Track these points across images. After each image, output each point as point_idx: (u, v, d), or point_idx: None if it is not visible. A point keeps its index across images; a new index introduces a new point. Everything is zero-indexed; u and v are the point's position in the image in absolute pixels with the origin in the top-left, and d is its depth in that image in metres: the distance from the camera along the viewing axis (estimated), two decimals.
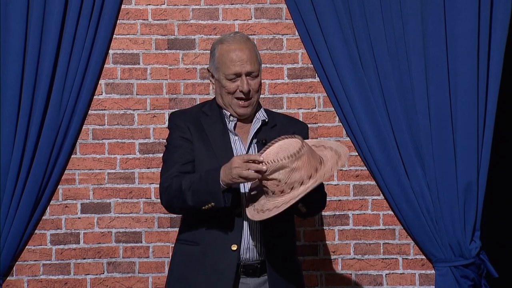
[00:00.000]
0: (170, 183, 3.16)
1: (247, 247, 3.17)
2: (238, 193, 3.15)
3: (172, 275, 3.29)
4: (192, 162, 3.21)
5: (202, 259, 3.17)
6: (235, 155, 3.19)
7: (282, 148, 2.97)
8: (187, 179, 3.12)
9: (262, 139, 3.24)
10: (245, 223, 3.17)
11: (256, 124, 3.28)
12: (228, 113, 3.28)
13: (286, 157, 2.93)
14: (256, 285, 3.18)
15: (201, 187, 3.07)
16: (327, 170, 2.97)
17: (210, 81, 3.33)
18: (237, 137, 3.26)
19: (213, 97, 3.38)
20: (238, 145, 3.25)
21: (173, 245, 3.34)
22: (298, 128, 3.33)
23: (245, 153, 3.23)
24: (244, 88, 3.20)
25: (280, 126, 3.31)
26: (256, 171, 2.97)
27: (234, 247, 3.14)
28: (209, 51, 4.15)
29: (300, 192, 2.94)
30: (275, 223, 3.16)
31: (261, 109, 3.34)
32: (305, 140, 3.10)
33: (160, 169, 3.31)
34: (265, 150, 3.01)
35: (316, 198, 3.19)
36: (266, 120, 3.30)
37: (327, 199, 3.40)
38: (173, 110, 4.14)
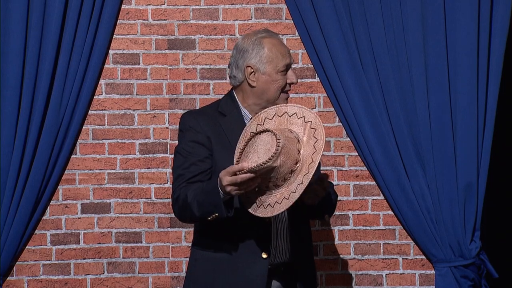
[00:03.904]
0: (178, 194, 3.08)
1: (275, 252, 3.12)
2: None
3: (194, 283, 3.18)
4: (205, 172, 3.11)
5: (231, 267, 3.09)
6: None
7: (261, 149, 2.91)
8: (192, 190, 3.04)
9: None
10: (274, 229, 3.12)
11: None
12: (249, 115, 3.18)
13: (268, 159, 2.86)
14: (278, 287, 3.15)
15: (204, 199, 2.99)
16: (318, 148, 2.93)
17: (248, 79, 3.16)
18: None
19: (217, 96, 3.35)
20: None
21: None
22: None
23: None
24: (294, 80, 3.19)
25: None
26: (245, 179, 2.88)
27: (264, 255, 3.09)
28: (209, 51, 4.20)
29: (300, 179, 2.90)
30: (298, 226, 3.16)
31: None
32: (268, 121, 3.02)
33: (172, 172, 3.21)
34: (242, 154, 2.94)
35: (331, 202, 3.22)
36: None
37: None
38: (173, 110, 4.16)
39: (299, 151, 2.94)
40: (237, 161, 2.94)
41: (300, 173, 2.92)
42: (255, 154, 2.91)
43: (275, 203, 2.94)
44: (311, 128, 2.98)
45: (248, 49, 3.17)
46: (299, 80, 4.19)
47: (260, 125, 3.02)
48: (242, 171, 2.87)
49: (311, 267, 3.27)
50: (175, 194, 3.11)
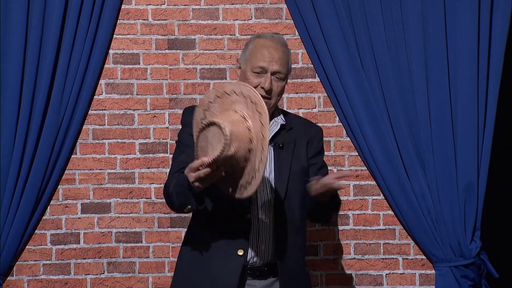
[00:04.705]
0: (166, 184, 3.16)
1: (256, 250, 3.14)
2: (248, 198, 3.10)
3: (177, 276, 3.26)
4: None
5: (207, 262, 3.14)
6: None
7: (213, 141, 2.94)
8: (173, 181, 3.11)
9: (279, 143, 3.22)
10: (254, 227, 3.14)
11: (274, 127, 3.24)
12: None
13: (221, 151, 2.89)
14: (262, 287, 3.16)
15: (178, 191, 3.05)
16: (262, 120, 2.94)
17: (237, 73, 3.27)
18: None
19: None
20: None
21: (180, 244, 3.33)
22: (313, 132, 3.33)
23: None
24: (266, 85, 3.15)
25: (296, 128, 3.29)
26: (208, 173, 2.93)
27: (240, 252, 3.11)
28: (209, 51, 4.20)
29: (259, 154, 2.92)
30: (287, 227, 3.16)
31: (281, 113, 3.31)
32: (211, 105, 3.04)
33: (168, 169, 3.32)
34: (198, 149, 2.98)
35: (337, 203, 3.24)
36: (284, 124, 3.27)
37: None
38: (173, 110, 4.16)
39: (249, 129, 2.95)
40: (196, 157, 2.98)
41: (257, 150, 2.94)
42: (210, 147, 2.94)
43: (246, 183, 2.97)
44: (251, 102, 2.97)
45: (246, 44, 3.27)
46: (299, 80, 4.21)
47: (205, 110, 3.04)
48: (202, 166, 2.91)
49: (300, 268, 3.26)
50: (166, 184, 3.18)
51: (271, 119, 3.24)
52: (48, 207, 4.10)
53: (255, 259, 3.14)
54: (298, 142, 3.26)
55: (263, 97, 3.12)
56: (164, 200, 4.10)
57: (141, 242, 4.14)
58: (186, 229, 3.36)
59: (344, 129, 4.16)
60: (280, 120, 3.28)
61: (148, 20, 4.19)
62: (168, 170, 4.11)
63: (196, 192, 2.99)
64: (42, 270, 4.10)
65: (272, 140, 3.22)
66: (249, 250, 3.13)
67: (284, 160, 3.21)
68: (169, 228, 4.14)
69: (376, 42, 4.07)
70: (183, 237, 4.07)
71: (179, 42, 4.20)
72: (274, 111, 3.28)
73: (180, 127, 3.31)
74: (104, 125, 4.17)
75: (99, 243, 4.13)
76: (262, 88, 3.16)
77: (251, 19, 4.21)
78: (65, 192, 4.13)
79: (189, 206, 3.04)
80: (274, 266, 3.16)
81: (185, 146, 3.20)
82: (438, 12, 4.05)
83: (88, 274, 4.12)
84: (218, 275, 3.12)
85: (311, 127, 3.35)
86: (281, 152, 3.21)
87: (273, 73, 3.17)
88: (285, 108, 4.15)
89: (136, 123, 4.18)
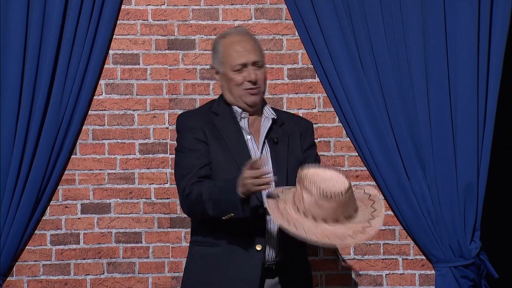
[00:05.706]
0: (190, 191, 3.12)
1: (267, 247, 3.14)
2: (259, 195, 3.11)
3: (190, 278, 3.23)
4: (208, 165, 3.17)
5: (225, 260, 3.13)
6: (252, 156, 3.17)
7: (331, 178, 2.95)
8: (207, 188, 3.08)
9: (274, 137, 3.24)
10: (267, 223, 3.14)
11: (267, 123, 3.27)
12: (240, 110, 3.25)
13: (320, 188, 2.90)
14: (270, 285, 3.16)
15: (220, 198, 3.03)
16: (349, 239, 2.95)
17: (215, 78, 3.33)
18: (249, 136, 3.24)
19: (217, 96, 3.38)
20: (251, 145, 3.23)
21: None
22: (305, 125, 3.35)
23: (259, 153, 3.21)
24: (252, 77, 3.20)
25: (288, 123, 3.31)
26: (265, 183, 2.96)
27: (258, 247, 3.11)
28: (209, 51, 4.17)
29: (305, 234, 2.93)
30: None
31: (268, 106, 3.33)
32: (368, 188, 3.10)
33: (174, 172, 3.28)
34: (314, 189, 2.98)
35: None
36: (275, 117, 3.29)
37: None
38: (173, 111, 4.16)
39: (335, 220, 2.95)
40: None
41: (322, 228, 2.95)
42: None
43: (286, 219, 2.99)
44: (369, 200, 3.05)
45: (212, 50, 3.33)
46: (299, 80, 4.21)
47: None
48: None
49: (304, 266, 3.28)
50: (186, 191, 3.14)
51: (261, 113, 3.29)
52: (48, 207, 4.10)
53: (267, 256, 3.14)
54: (291, 137, 3.28)
55: (251, 89, 3.21)
56: (163, 201, 4.13)
57: (141, 242, 4.14)
58: (190, 229, 3.35)
59: (344, 129, 4.16)
60: (270, 114, 3.30)
61: (148, 20, 4.19)
62: (167, 170, 4.12)
63: (242, 200, 2.99)
64: (42, 270, 4.10)
65: (266, 135, 3.25)
66: (264, 246, 3.13)
67: (280, 156, 3.23)
68: (169, 229, 4.13)
69: (376, 42, 4.07)
70: (183, 237, 4.08)
71: (179, 42, 4.20)
72: (263, 106, 3.31)
73: (178, 133, 3.29)
74: (104, 125, 4.16)
75: (99, 243, 4.13)
76: (249, 81, 3.21)
77: (251, 19, 4.21)
78: (65, 192, 4.12)
79: (231, 214, 3.02)
80: (280, 263, 3.16)
81: (189, 151, 3.19)
82: (438, 12, 4.05)
83: (88, 274, 4.12)
84: (239, 272, 3.11)
85: (302, 121, 3.40)
86: (276, 148, 3.22)
87: (252, 64, 3.22)
88: (285, 108, 4.15)
89: (136, 124, 4.18)
